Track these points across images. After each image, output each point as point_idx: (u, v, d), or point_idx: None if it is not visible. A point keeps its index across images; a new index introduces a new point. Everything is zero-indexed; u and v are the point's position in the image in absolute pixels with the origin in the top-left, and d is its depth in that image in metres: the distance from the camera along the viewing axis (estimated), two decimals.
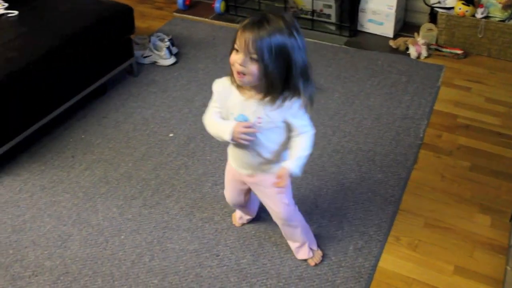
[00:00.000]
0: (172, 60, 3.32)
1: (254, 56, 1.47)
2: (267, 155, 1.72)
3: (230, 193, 2.00)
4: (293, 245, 2.05)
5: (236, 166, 1.83)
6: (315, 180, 2.41)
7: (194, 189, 2.39)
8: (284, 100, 1.57)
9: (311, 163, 2.50)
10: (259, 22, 1.47)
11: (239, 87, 1.61)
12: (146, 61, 3.35)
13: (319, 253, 2.06)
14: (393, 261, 2.06)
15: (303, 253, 2.04)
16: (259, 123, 1.61)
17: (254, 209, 2.17)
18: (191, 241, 2.15)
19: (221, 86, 1.66)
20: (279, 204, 1.87)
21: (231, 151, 1.82)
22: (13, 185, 2.46)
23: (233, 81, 1.60)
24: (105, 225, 2.25)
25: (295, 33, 1.50)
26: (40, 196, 2.40)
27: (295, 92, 1.56)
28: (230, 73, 1.61)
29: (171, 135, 2.74)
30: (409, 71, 3.21)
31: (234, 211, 2.22)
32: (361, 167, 2.48)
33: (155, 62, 3.34)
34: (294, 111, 1.61)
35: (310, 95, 1.59)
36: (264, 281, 1.99)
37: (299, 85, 1.55)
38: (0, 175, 2.52)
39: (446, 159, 2.55)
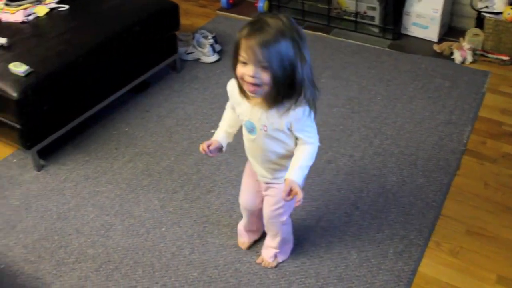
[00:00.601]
0: (215, 57, 3.36)
1: (265, 64, 1.42)
2: (278, 161, 1.71)
3: (246, 194, 1.95)
4: (266, 241, 2.02)
5: (254, 168, 1.83)
6: (356, 181, 2.40)
7: (235, 185, 2.41)
8: (289, 107, 1.53)
9: (352, 165, 2.50)
10: (259, 27, 1.41)
11: (245, 93, 1.56)
12: (189, 57, 3.39)
13: (273, 264, 2.03)
14: (433, 266, 2.04)
15: (267, 253, 2.03)
16: (265, 130, 1.61)
17: (261, 224, 2.04)
18: (231, 236, 2.17)
19: (231, 86, 1.66)
20: (271, 214, 1.87)
21: (247, 153, 1.83)
22: (59, 174, 2.53)
23: (241, 92, 1.58)
24: (146, 217, 2.29)
25: (295, 34, 1.45)
26: (84, 186, 2.46)
27: (299, 97, 1.52)
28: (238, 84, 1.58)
29: (212, 131, 2.73)
30: (453, 76, 3.16)
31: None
32: (402, 171, 2.46)
33: (198, 59, 3.38)
34: (299, 119, 1.56)
35: (313, 99, 1.55)
36: (303, 279, 1.99)
37: (303, 89, 1.50)
38: (46, 164, 2.59)
39: (490, 166, 2.51)
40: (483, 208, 2.29)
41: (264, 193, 1.87)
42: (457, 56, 3.33)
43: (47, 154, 2.63)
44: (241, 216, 2.09)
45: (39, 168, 2.56)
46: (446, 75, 3.17)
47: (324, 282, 1.98)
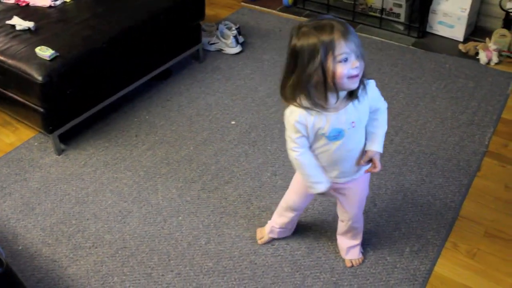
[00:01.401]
0: (238, 48, 3.35)
1: (359, 51, 1.45)
2: (361, 150, 1.70)
3: (300, 199, 1.92)
4: (348, 244, 2.02)
5: (331, 178, 1.73)
6: (375, 178, 2.38)
7: (253, 177, 2.42)
8: (363, 88, 1.54)
9: None
10: (341, 24, 1.43)
11: (322, 104, 1.52)
12: (212, 48, 3.40)
13: (362, 257, 2.05)
14: (449, 267, 2.03)
15: (354, 253, 2.03)
16: (353, 126, 1.58)
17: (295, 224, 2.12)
18: (248, 228, 2.18)
19: (300, 116, 1.55)
20: (359, 207, 1.89)
21: (326, 163, 1.70)
22: (78, 159, 2.56)
23: (317, 105, 1.52)
24: (164, 205, 2.30)
25: None
26: (103, 172, 2.48)
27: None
28: (296, 102, 1.52)
29: (233, 122, 2.77)
30: (478, 77, 3.12)
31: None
32: (422, 170, 2.44)
33: (221, 49, 3.39)
34: (374, 93, 1.61)
35: None
36: (318, 274, 1.99)
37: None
38: (66, 148, 2.62)
39: (511, 169, 2.48)
40: (502, 210, 2.26)
41: (340, 192, 1.82)
42: (482, 57, 3.28)
43: (68, 139, 2.66)
44: (260, 209, 2.09)
45: (60, 152, 2.59)
46: (470, 75, 3.13)
47: (338, 277, 1.98)
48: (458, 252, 2.09)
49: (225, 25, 3.43)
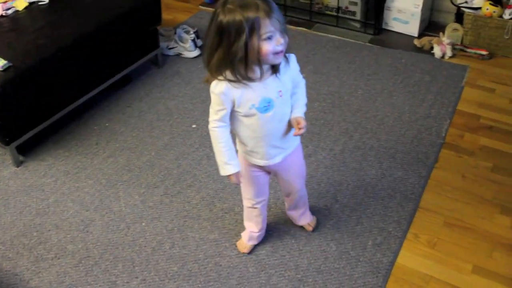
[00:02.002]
0: (196, 52, 3.35)
1: (283, 27, 1.51)
2: (288, 122, 1.75)
3: (255, 189, 1.92)
4: (298, 213, 2.11)
5: (268, 159, 1.78)
6: (336, 175, 2.42)
7: (216, 179, 2.42)
8: (286, 61, 1.63)
9: (332, 158, 2.51)
10: (265, 2, 1.47)
11: (248, 76, 1.56)
12: (171, 52, 3.39)
13: (315, 218, 2.18)
14: (411, 258, 2.07)
15: (306, 218, 2.13)
16: (281, 96, 1.64)
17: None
18: (211, 230, 2.18)
19: (225, 88, 1.58)
20: (301, 179, 1.97)
21: (259, 147, 1.75)
22: (38, 170, 2.52)
23: (243, 77, 1.56)
24: (126, 212, 2.28)
25: None
26: (64, 181, 2.45)
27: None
28: (222, 75, 1.56)
29: (194, 126, 2.77)
30: (433, 71, 3.19)
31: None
32: (382, 164, 2.49)
33: (180, 54, 3.38)
34: (295, 67, 1.69)
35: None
36: (282, 272, 2.01)
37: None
38: (26, 160, 2.57)
39: (467, 159, 2.54)
40: (460, 200, 2.32)
41: (283, 173, 1.89)
42: (437, 51, 3.36)
43: (27, 150, 2.62)
44: (223, 211, 2.09)
45: (18, 164, 2.54)
46: (426, 69, 3.20)
47: (303, 274, 2.00)
48: (419, 242, 2.13)
49: (183, 29, 3.43)
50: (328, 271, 2.00)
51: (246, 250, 2.09)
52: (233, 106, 1.63)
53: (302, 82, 1.76)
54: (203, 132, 2.71)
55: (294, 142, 1.82)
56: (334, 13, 3.68)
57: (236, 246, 2.11)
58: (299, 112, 1.73)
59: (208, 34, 1.53)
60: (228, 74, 1.55)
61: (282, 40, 1.50)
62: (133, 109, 2.91)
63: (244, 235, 2.11)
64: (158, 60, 3.26)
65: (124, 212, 2.29)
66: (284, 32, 1.51)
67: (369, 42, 3.52)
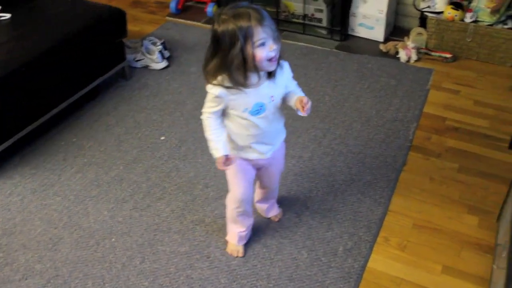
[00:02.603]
0: (164, 63, 3.34)
1: (276, 34, 1.59)
2: (282, 121, 1.87)
3: (244, 187, 1.95)
4: (267, 205, 2.19)
5: (259, 153, 1.85)
6: (305, 182, 2.43)
7: (185, 191, 2.41)
8: (280, 68, 1.70)
9: (302, 165, 2.52)
10: (257, 10, 1.56)
11: (245, 83, 1.64)
12: (138, 64, 3.37)
13: (281, 210, 2.26)
14: (382, 261, 2.08)
15: (274, 210, 2.22)
16: (273, 100, 1.73)
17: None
18: (182, 243, 2.17)
19: (220, 92, 1.66)
20: (279, 173, 2.06)
21: (251, 145, 1.82)
22: (4, 188, 2.47)
23: (238, 83, 1.64)
24: (96, 228, 2.25)
25: None
26: (31, 200, 2.41)
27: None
28: (217, 81, 1.65)
29: (162, 138, 2.75)
30: (399, 75, 3.24)
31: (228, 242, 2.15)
32: (351, 169, 2.50)
33: (147, 65, 3.36)
34: (288, 74, 1.77)
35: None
36: (254, 282, 2.00)
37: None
38: None
39: (435, 161, 2.58)
40: (428, 201, 2.35)
41: (267, 167, 1.96)
42: (402, 55, 3.40)
43: None
44: (193, 223, 2.08)
45: None
46: (392, 74, 3.25)
47: (275, 283, 1.99)
48: (389, 246, 2.15)
49: (150, 40, 3.41)
50: (300, 279, 2.00)
51: (240, 254, 2.10)
52: (227, 108, 1.72)
53: (293, 83, 1.84)
54: (171, 144, 2.69)
55: (281, 137, 1.92)
56: (301, 21, 3.71)
57: (227, 253, 2.12)
58: (299, 93, 1.82)
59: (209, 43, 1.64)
60: (225, 80, 1.64)
61: (274, 46, 1.59)
62: (101, 123, 2.88)
63: (232, 238, 2.11)
64: (125, 73, 3.24)
65: (93, 228, 2.26)
66: (276, 39, 1.60)
67: (336, 48, 3.56)
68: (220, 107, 1.72)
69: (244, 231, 2.08)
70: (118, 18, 3.05)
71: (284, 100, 1.81)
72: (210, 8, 3.94)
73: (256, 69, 1.62)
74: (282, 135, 1.92)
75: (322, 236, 2.17)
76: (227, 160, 1.78)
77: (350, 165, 2.53)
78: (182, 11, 4.10)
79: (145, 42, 3.39)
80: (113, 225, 2.26)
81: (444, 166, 2.54)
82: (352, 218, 2.25)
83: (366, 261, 2.08)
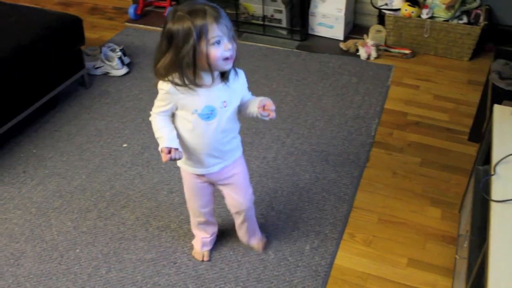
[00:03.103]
0: (124, 70, 3.30)
1: (232, 33, 1.54)
2: (236, 136, 1.79)
3: (200, 200, 1.92)
4: (248, 232, 2.07)
5: (206, 167, 1.78)
6: (270, 182, 2.43)
7: (150, 198, 2.38)
8: (235, 73, 1.66)
9: (266, 166, 2.52)
10: (213, 7, 1.51)
11: (195, 82, 1.58)
12: (98, 72, 3.32)
13: (265, 239, 2.14)
14: (348, 258, 2.10)
15: (256, 237, 2.10)
16: (225, 106, 1.66)
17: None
18: (148, 250, 2.14)
19: (171, 88, 1.59)
20: (246, 192, 1.92)
21: (198, 155, 1.74)
22: None
23: (191, 82, 1.57)
24: (59, 240, 2.21)
25: None
26: None
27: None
28: (168, 78, 1.58)
29: (125, 145, 2.72)
30: (360, 72, 3.27)
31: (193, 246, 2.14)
32: (315, 168, 2.52)
33: (107, 73, 3.32)
34: (244, 83, 1.72)
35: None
36: (222, 285, 1.99)
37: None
38: None
39: (397, 156, 2.61)
40: (392, 196, 2.38)
41: (225, 184, 1.87)
42: (362, 53, 3.44)
43: None
44: (159, 229, 2.06)
45: None
46: (353, 71, 3.28)
47: (243, 285, 1.99)
48: (355, 242, 2.17)
49: (109, 47, 3.37)
50: (268, 279, 2.00)
51: (205, 258, 2.08)
52: (176, 108, 1.65)
53: (249, 94, 1.78)
54: (134, 151, 2.66)
55: (234, 154, 1.83)
56: (261, 22, 3.72)
57: (194, 257, 2.10)
58: (263, 97, 1.73)
59: (160, 39, 1.57)
60: (176, 78, 1.58)
61: (230, 46, 1.53)
62: (62, 133, 2.83)
63: (196, 243, 2.09)
64: (84, 81, 3.19)
65: (56, 240, 2.21)
66: (232, 38, 1.55)
67: (297, 48, 3.58)
68: (169, 106, 1.64)
69: (207, 238, 2.07)
70: (74, 26, 3.00)
71: (241, 110, 1.75)
72: None
73: (210, 69, 1.55)
74: (236, 151, 1.83)
75: (288, 236, 2.17)
76: (173, 152, 1.61)
77: (314, 164, 2.54)
78: (141, 17, 4.06)
79: (104, 49, 3.34)
80: (77, 235, 2.22)
81: (406, 161, 2.58)
82: (318, 216, 2.26)
83: (333, 258, 2.09)
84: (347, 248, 2.14)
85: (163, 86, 1.61)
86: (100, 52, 3.34)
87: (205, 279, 2.02)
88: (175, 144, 1.65)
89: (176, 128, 1.70)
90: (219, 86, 1.64)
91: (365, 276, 2.03)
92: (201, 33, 1.48)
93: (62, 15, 3.03)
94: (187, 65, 1.53)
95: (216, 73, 1.61)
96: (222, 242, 2.15)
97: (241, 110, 1.76)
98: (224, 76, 1.64)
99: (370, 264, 2.07)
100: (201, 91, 1.61)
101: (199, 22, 1.48)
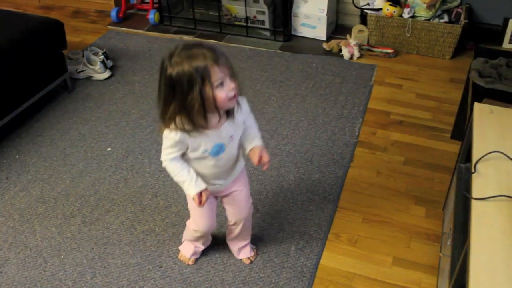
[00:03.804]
0: (107, 73, 3.28)
1: (233, 73, 1.54)
2: (238, 153, 1.80)
3: (209, 219, 1.92)
4: (239, 245, 2.06)
5: (214, 187, 1.80)
6: (255, 184, 2.43)
7: (134, 202, 2.37)
8: (238, 105, 1.64)
9: (251, 168, 2.52)
10: (213, 49, 1.50)
11: (204, 124, 1.57)
12: (81, 76, 3.30)
13: (255, 251, 2.11)
14: (334, 258, 2.11)
15: (246, 252, 2.08)
16: (232, 140, 1.68)
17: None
18: (133, 254, 2.13)
19: (181, 136, 1.60)
20: (247, 202, 1.94)
21: (207, 175, 1.75)
22: None
23: (199, 125, 1.57)
24: (43, 246, 2.19)
25: None
26: None
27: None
28: (179, 126, 1.57)
29: (108, 149, 2.70)
30: (343, 72, 3.29)
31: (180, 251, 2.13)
32: (299, 169, 2.52)
33: (90, 76, 3.30)
34: (246, 109, 1.72)
35: None
36: None
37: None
38: None
39: (381, 155, 2.63)
40: (376, 195, 2.39)
41: (229, 194, 1.89)
42: (345, 53, 3.46)
43: None
44: (144, 233, 2.05)
45: None
46: (336, 71, 3.29)
47: None
48: (340, 242, 2.18)
49: (91, 51, 3.35)
50: (254, 281, 2.00)
51: (191, 262, 2.08)
52: (186, 150, 1.65)
53: (250, 118, 1.78)
54: (118, 155, 2.65)
55: (238, 169, 1.85)
56: (244, 24, 3.72)
57: (180, 261, 2.10)
58: (258, 141, 1.77)
59: (160, 88, 1.54)
60: (185, 124, 1.56)
61: (233, 85, 1.52)
62: (44, 138, 2.81)
63: (187, 251, 2.08)
64: (67, 85, 3.17)
65: (41, 246, 2.19)
66: (233, 76, 1.54)
67: (280, 49, 3.59)
68: (180, 152, 1.66)
69: (200, 248, 2.08)
70: (55, 29, 2.98)
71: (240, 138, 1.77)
72: (152, 15, 3.91)
73: (217, 109, 1.55)
74: (239, 166, 1.84)
75: (274, 237, 2.18)
76: (203, 194, 1.69)
77: (299, 165, 2.55)
78: (124, 19, 4.04)
79: (86, 53, 3.32)
80: (61, 241, 2.21)
81: (390, 160, 2.60)
82: (303, 217, 2.26)
83: (319, 259, 2.09)
84: (332, 248, 2.14)
85: (172, 135, 1.60)
86: (83, 55, 3.32)
87: (191, 282, 2.01)
88: (202, 185, 1.69)
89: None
90: (226, 123, 1.64)
91: (351, 275, 2.04)
92: (204, 77, 1.47)
93: (43, 19, 3.01)
94: (197, 111, 1.52)
95: (222, 112, 1.60)
96: (209, 244, 2.15)
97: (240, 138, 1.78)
98: (229, 113, 1.63)
99: (355, 263, 2.08)
100: (210, 132, 1.61)
101: (200, 66, 1.46)
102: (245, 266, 2.06)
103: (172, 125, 1.58)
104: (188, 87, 1.47)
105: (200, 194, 1.69)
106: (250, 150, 1.77)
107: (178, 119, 1.56)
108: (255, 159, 1.74)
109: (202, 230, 1.94)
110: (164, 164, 1.70)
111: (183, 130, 1.58)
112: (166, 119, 1.57)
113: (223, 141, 1.66)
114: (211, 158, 1.68)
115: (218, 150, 1.67)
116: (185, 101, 1.50)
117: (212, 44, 1.54)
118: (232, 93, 1.53)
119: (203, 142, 1.63)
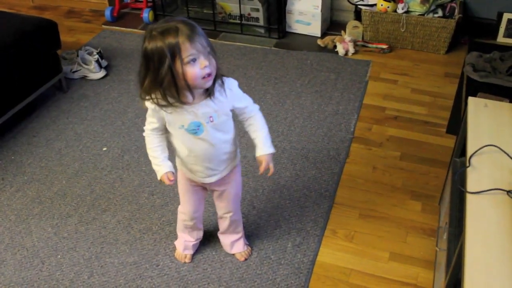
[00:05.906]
0: (102, 73, 3.28)
1: (209, 49, 1.51)
2: (230, 147, 1.77)
3: (193, 205, 1.94)
4: (231, 239, 2.07)
5: (203, 177, 1.80)
6: (251, 181, 2.43)
7: (131, 201, 2.37)
8: (221, 85, 1.61)
9: (246, 165, 2.52)
10: (188, 24, 1.48)
11: (180, 100, 1.57)
12: (76, 76, 3.29)
13: (249, 248, 2.11)
14: (331, 254, 2.11)
15: (239, 246, 2.08)
16: (211, 121, 1.64)
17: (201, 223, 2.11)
18: (130, 253, 2.13)
19: (156, 106, 1.60)
20: (236, 199, 1.95)
21: (194, 165, 1.76)
22: None
23: (174, 99, 1.56)
24: (40, 246, 2.19)
25: None
26: None
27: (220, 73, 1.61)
28: (156, 99, 1.57)
29: (104, 149, 2.70)
30: (338, 68, 3.29)
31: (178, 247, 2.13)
32: (295, 165, 2.53)
33: (85, 76, 3.29)
34: (236, 92, 1.68)
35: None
36: (206, 286, 1.99)
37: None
38: None
39: (376, 150, 2.63)
40: (372, 191, 2.40)
41: (218, 190, 1.89)
42: (340, 49, 3.46)
43: None
44: (141, 232, 2.05)
45: None
46: (331, 68, 3.29)
47: (226, 285, 1.99)
48: (337, 238, 2.18)
49: (86, 50, 3.34)
50: (251, 278, 2.01)
51: (187, 260, 2.08)
52: (164, 123, 1.66)
53: (254, 110, 1.76)
54: (114, 154, 2.65)
55: (231, 164, 1.83)
56: (238, 21, 3.71)
57: (176, 259, 2.10)
58: (265, 149, 1.76)
59: (140, 60, 1.55)
60: (159, 99, 1.56)
61: (206, 63, 1.49)
62: (40, 138, 2.80)
63: (179, 245, 2.09)
64: (62, 85, 3.16)
65: (37, 247, 2.19)
66: (209, 54, 1.51)
67: (275, 46, 3.58)
68: (157, 125, 1.68)
69: (191, 241, 2.07)
70: (49, 29, 2.97)
71: (242, 122, 1.77)
72: (146, 14, 3.90)
73: (189, 88, 1.53)
74: (232, 162, 1.82)
75: (270, 234, 2.18)
76: (170, 177, 1.72)
77: (294, 161, 2.55)
78: (118, 19, 4.04)
79: (81, 52, 3.32)
80: (58, 241, 2.21)
81: (386, 155, 2.60)
82: (299, 214, 2.27)
83: (316, 255, 2.10)
84: (329, 244, 2.15)
85: (148, 105, 1.63)
86: (77, 55, 3.32)
87: (188, 280, 2.01)
88: (170, 167, 1.73)
89: (172, 144, 1.73)
90: (204, 102, 1.61)
91: (348, 271, 2.04)
92: (175, 53, 1.46)
93: (37, 19, 2.99)
94: (168, 85, 1.51)
95: (199, 91, 1.58)
96: (205, 242, 2.15)
97: (241, 121, 1.77)
98: (208, 91, 1.60)
99: (352, 259, 2.09)
100: (186, 108, 1.60)
101: (171, 41, 1.45)
102: (242, 263, 2.06)
103: (148, 97, 1.58)
104: (159, 62, 1.47)
105: (167, 175, 1.71)
106: (259, 156, 1.76)
107: (153, 94, 1.57)
108: (261, 168, 1.76)
109: (187, 213, 1.95)
110: (144, 133, 1.74)
111: (158, 104, 1.58)
112: (143, 91, 1.57)
113: (200, 120, 1.62)
114: (190, 136, 1.65)
115: (196, 129, 1.64)
116: (157, 76, 1.50)
117: (192, 22, 1.51)
118: (205, 71, 1.50)
119: (179, 118, 1.62)
